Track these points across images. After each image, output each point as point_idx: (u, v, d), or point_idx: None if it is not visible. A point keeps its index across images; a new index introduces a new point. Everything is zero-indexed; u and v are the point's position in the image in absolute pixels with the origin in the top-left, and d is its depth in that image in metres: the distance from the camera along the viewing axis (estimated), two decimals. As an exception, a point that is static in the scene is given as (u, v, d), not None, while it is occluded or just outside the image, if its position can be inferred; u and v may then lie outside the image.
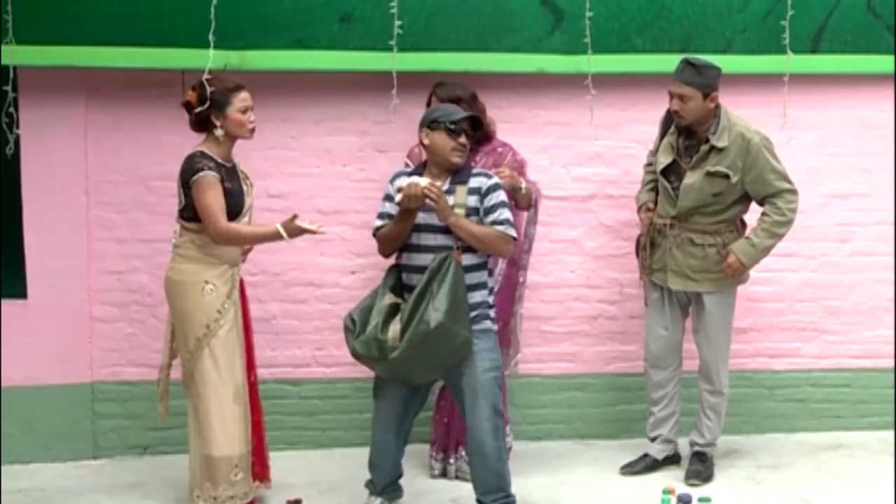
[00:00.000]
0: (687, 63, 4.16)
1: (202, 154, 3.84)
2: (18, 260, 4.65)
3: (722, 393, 4.44)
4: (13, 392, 4.64)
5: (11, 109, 4.34)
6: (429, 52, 4.61)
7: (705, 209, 4.25)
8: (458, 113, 3.84)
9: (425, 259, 3.78)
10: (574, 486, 4.40)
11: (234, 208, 3.89)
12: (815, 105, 4.95)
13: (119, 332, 4.78)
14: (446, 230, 3.78)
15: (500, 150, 4.42)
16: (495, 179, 3.89)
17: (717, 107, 4.22)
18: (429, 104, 4.36)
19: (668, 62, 4.49)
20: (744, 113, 4.36)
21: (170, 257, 3.98)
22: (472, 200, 3.80)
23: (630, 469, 4.52)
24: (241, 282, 4.05)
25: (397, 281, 3.87)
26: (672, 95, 4.19)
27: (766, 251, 4.27)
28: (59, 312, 4.68)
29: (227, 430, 3.89)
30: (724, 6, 4.75)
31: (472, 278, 3.78)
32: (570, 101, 4.69)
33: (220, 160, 3.87)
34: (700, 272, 4.29)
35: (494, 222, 3.79)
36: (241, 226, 3.89)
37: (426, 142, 3.84)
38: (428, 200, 3.69)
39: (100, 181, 4.72)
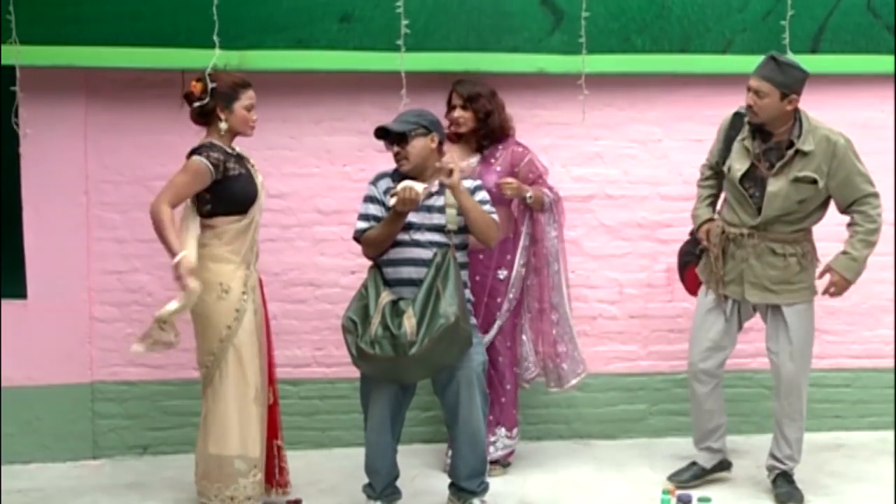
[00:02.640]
0: (770, 58, 3.94)
1: (211, 144, 3.86)
2: (18, 260, 4.65)
3: (801, 414, 4.17)
4: (13, 392, 4.64)
5: (21, 109, 4.34)
6: (429, 52, 4.61)
7: (787, 217, 4.04)
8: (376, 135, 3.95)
9: (417, 252, 3.85)
10: (574, 486, 4.40)
11: (248, 194, 3.91)
12: (815, 105, 4.93)
13: (119, 332, 4.78)
14: (438, 229, 3.87)
15: (520, 149, 4.49)
16: (479, 182, 4.06)
17: (797, 110, 4.02)
18: (449, 101, 4.46)
19: (668, 62, 4.52)
20: (744, 113, 4.36)
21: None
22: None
23: (678, 478, 4.32)
24: (260, 282, 4.05)
25: (383, 277, 3.91)
26: (749, 89, 3.96)
27: (865, 262, 4.08)
28: (59, 312, 4.68)
29: (243, 431, 3.88)
30: (724, 6, 4.75)
31: (462, 276, 3.90)
32: (569, 101, 4.69)
33: (226, 148, 3.90)
34: (780, 283, 4.08)
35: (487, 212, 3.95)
36: (170, 220, 3.75)
37: None
38: (443, 178, 3.81)
39: (100, 181, 4.72)
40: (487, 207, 3.95)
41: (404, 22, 4.46)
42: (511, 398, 4.54)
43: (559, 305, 4.55)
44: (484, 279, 4.44)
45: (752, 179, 4.07)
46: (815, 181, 3.98)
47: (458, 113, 4.42)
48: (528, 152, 4.51)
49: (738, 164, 4.09)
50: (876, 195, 4.08)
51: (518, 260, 4.48)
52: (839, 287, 4.11)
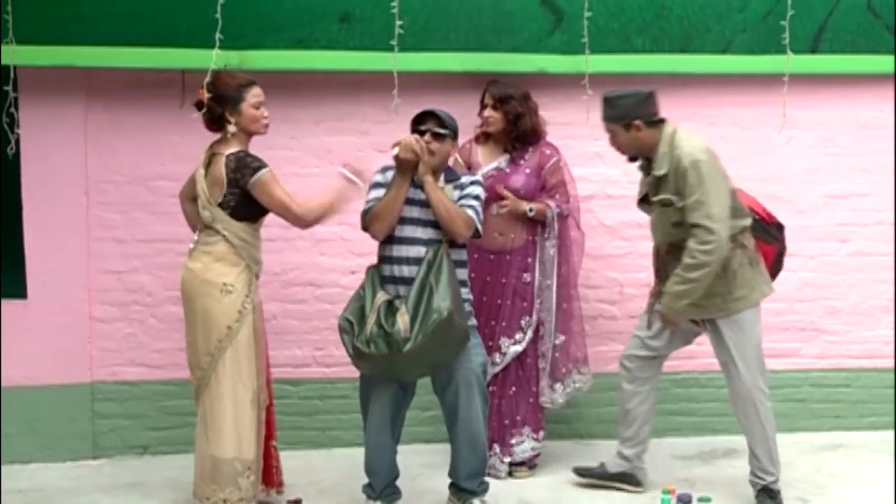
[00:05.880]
0: (603, 100, 3.94)
1: (247, 154, 3.83)
2: (18, 260, 4.65)
3: (761, 426, 4.05)
4: (13, 392, 4.64)
5: (12, 110, 4.34)
6: (429, 52, 4.62)
7: (681, 243, 3.87)
8: (419, 116, 3.91)
9: (412, 251, 3.84)
10: (574, 486, 4.40)
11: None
12: (815, 105, 4.95)
13: (119, 332, 4.78)
14: (432, 224, 3.85)
15: (548, 151, 4.49)
16: (478, 178, 4.03)
17: (659, 133, 3.90)
18: (482, 101, 4.46)
19: (668, 62, 4.52)
20: (744, 113, 4.35)
21: (191, 254, 3.92)
22: (455, 194, 3.91)
23: (578, 469, 4.32)
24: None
25: (381, 277, 3.89)
26: None
27: (679, 297, 3.85)
28: (59, 312, 4.68)
29: (239, 433, 3.87)
30: (724, 6, 4.76)
31: (459, 274, 3.88)
32: (570, 100, 4.69)
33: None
34: (705, 297, 3.91)
35: (462, 205, 3.86)
36: (317, 198, 3.91)
37: None
38: (412, 153, 3.74)
39: (100, 181, 4.72)
40: (465, 202, 3.88)
41: (398, 22, 4.46)
42: (538, 400, 4.53)
43: (546, 322, 4.50)
44: (509, 281, 4.43)
45: (651, 205, 4.04)
46: (671, 203, 3.86)
47: (488, 112, 4.42)
48: (556, 155, 4.50)
49: (640, 190, 4.12)
50: (707, 229, 3.73)
51: (539, 265, 4.46)
52: (666, 320, 4.01)
